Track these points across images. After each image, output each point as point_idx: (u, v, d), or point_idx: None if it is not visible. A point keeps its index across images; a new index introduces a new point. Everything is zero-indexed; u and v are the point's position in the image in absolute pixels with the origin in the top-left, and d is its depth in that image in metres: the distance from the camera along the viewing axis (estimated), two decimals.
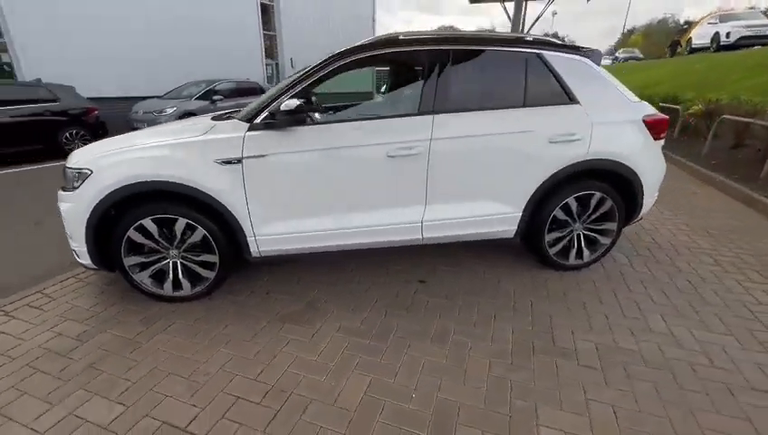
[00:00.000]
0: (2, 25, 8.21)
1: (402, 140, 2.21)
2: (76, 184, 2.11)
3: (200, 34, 11.92)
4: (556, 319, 2.19)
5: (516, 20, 11.16)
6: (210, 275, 2.32)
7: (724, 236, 3.28)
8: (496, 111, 2.36)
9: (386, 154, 2.21)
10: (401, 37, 2.34)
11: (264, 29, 14.59)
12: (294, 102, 2.06)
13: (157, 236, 2.20)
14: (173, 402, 1.63)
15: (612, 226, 2.62)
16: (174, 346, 1.97)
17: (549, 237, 2.60)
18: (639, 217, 2.74)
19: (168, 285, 2.31)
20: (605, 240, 2.68)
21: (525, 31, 19.04)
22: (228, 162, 2.12)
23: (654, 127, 2.49)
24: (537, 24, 12.24)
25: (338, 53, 2.23)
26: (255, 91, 9.80)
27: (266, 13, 14.88)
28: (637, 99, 2.54)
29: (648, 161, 2.52)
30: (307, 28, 16.40)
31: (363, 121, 2.25)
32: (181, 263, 2.30)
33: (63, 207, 2.17)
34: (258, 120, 2.14)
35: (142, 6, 10.41)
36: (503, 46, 2.36)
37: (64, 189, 2.19)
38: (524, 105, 2.37)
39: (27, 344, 1.98)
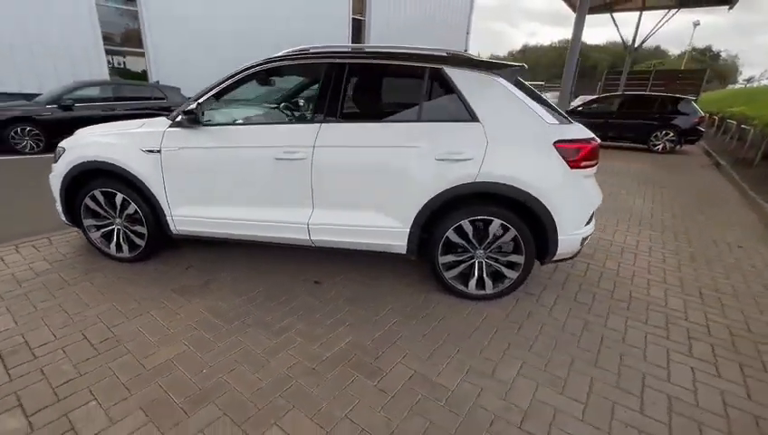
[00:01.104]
0: (144, 42, 10.56)
1: (288, 145, 2.39)
2: (56, 159, 2.80)
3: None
4: (402, 341, 2.11)
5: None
6: (142, 243, 2.82)
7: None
8: (387, 123, 2.38)
9: (273, 157, 2.41)
10: (311, 50, 2.52)
11: (353, 42, 15.75)
12: (192, 105, 2.42)
13: (104, 205, 2.77)
14: (47, 328, 2.09)
15: (519, 259, 2.37)
16: (84, 291, 2.48)
17: (443, 260, 2.47)
18: (568, 256, 2.41)
19: (113, 246, 2.87)
20: (511, 273, 2.43)
21: (638, 43, 16.86)
22: (151, 151, 2.58)
23: (567, 153, 2.20)
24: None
25: (248, 65, 2.52)
26: None
27: (358, 28, 16.03)
28: (559, 120, 2.26)
29: (559, 190, 2.23)
30: (397, 41, 17.13)
31: (259, 126, 2.50)
32: (123, 230, 2.84)
33: (50, 175, 2.88)
34: (177, 119, 2.55)
35: (234, 22, 12.11)
36: (402, 61, 2.37)
37: (53, 162, 2.92)
38: (419, 120, 2.34)
39: (7, 270, 2.71)
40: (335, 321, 2.27)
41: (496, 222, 2.31)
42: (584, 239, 2.41)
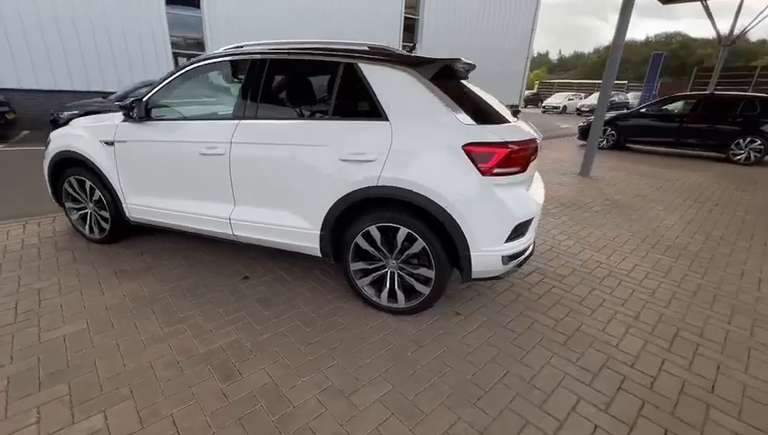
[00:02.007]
0: (205, 44, 11.60)
1: (209, 141, 2.43)
2: (46, 146, 3.18)
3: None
4: (282, 347, 2.02)
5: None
6: (107, 227, 3.08)
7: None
8: (300, 120, 2.31)
9: (198, 152, 2.47)
10: (244, 47, 2.53)
11: (406, 41, 15.65)
12: (127, 102, 2.57)
13: (77, 190, 3.09)
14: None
15: (429, 273, 2.15)
16: (47, 266, 2.78)
17: (354, 266, 2.33)
18: (491, 275, 2.13)
19: (87, 227, 3.19)
20: (422, 288, 2.21)
21: (736, 35, 14.36)
22: (107, 143, 2.80)
23: (478, 157, 1.92)
24: None
25: (186, 64, 2.61)
26: None
27: (411, 27, 15.89)
28: (475, 121, 1.99)
29: (468, 200, 1.96)
30: (450, 40, 16.65)
31: (190, 121, 2.58)
32: (94, 214, 3.13)
33: (43, 160, 3.28)
34: (125, 114, 2.74)
35: (285, 20, 12.66)
36: (316, 56, 2.26)
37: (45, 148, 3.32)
38: (331, 117, 2.23)
39: (3, 242, 3.15)
40: (234, 318, 2.27)
41: (403, 230, 2.11)
42: (512, 258, 2.10)
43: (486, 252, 2.03)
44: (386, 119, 2.08)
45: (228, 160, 2.40)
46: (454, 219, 1.98)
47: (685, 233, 3.95)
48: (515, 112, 2.56)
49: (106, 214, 3.03)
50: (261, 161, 2.35)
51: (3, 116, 8.02)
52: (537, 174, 2.98)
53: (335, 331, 2.18)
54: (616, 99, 22.40)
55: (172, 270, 2.80)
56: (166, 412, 1.60)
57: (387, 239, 2.19)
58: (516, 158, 1.97)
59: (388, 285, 2.29)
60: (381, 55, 2.16)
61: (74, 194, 3.12)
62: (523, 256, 2.21)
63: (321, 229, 2.30)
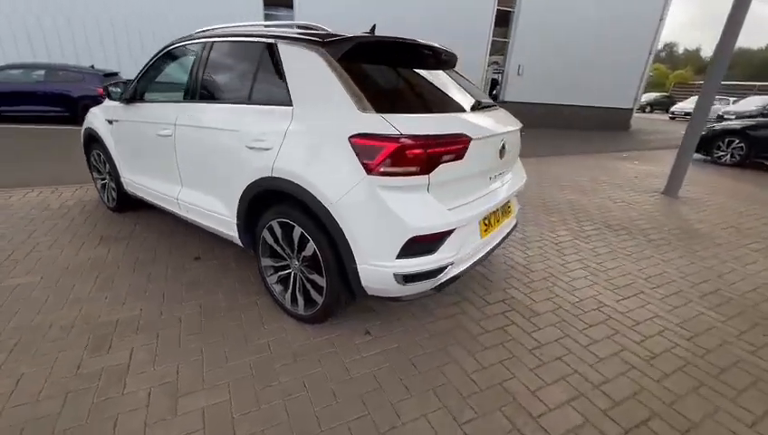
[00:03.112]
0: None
1: (162, 122, 2.53)
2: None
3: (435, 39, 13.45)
4: (154, 334, 1.99)
5: None
6: (116, 197, 3.47)
7: None
8: (223, 105, 2.25)
9: (156, 133, 2.59)
10: (207, 30, 2.55)
11: (498, 36, 14.60)
12: (116, 83, 2.82)
13: (98, 162, 3.54)
14: (10, 242, 2.88)
15: (321, 280, 1.89)
16: (63, 225, 3.25)
17: (264, 262, 2.19)
18: (388, 295, 1.80)
19: (105, 197, 3.64)
20: (317, 296, 1.96)
21: None
22: (109, 122, 3.14)
23: (363, 152, 1.60)
24: None
25: (159, 49, 2.75)
26: None
27: (505, 20, 14.74)
28: (375, 109, 1.65)
29: (349, 201, 1.65)
30: (553, 35, 15.01)
31: (155, 103, 2.71)
32: (109, 184, 3.55)
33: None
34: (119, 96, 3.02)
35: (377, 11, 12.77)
36: (243, 38, 2.16)
37: None
38: (248, 101, 2.11)
39: (52, 201, 3.79)
40: (152, 295, 2.32)
41: (297, 229, 1.89)
42: (411, 279, 1.72)
43: (375, 266, 1.70)
44: (290, 104, 1.88)
45: (174, 142, 2.46)
46: (337, 223, 1.70)
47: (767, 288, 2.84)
48: (479, 104, 2.11)
49: (114, 185, 3.42)
50: (193, 144, 2.36)
51: None
52: (519, 172, 2.47)
53: (229, 326, 2.07)
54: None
55: (143, 242, 3.02)
56: (22, 370, 1.69)
57: (288, 237, 2.00)
58: (413, 155, 1.58)
59: (290, 288, 2.09)
60: (301, 35, 1.96)
61: (96, 165, 3.59)
62: (439, 280, 1.79)
63: (237, 218, 2.21)
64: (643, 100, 26.02)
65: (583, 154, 8.87)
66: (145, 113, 2.76)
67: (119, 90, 2.89)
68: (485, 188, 2.05)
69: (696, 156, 8.15)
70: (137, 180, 3.03)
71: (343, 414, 1.56)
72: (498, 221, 2.20)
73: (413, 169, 1.60)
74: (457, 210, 1.78)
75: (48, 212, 3.51)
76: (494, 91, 16.14)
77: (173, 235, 3.17)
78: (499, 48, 15.51)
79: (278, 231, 2.01)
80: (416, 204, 1.65)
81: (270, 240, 2.08)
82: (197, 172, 2.41)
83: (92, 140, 3.49)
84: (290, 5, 12.10)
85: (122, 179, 3.23)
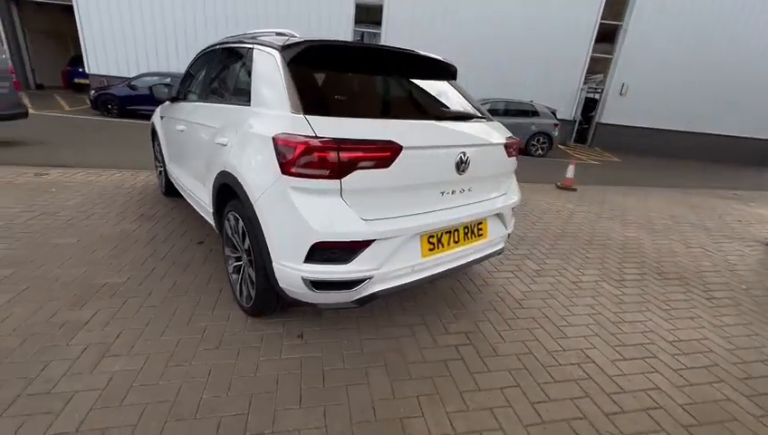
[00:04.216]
0: None
1: (182, 119, 2.88)
2: None
3: (524, 54, 12.83)
4: (119, 308, 2.23)
5: None
6: (163, 181, 4.02)
7: None
8: (214, 104, 2.46)
9: (176, 128, 2.96)
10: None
11: (599, 52, 13.25)
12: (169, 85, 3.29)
13: (156, 151, 4.14)
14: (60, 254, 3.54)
15: (253, 274, 1.93)
16: (118, 200, 3.89)
17: (227, 252, 2.31)
18: (300, 298, 1.78)
19: (160, 183, 4.25)
20: (251, 290, 2.00)
21: None
22: (161, 118, 3.67)
23: (281, 151, 1.60)
24: None
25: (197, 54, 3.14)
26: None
27: (611, 35, 13.30)
28: (306, 112, 1.65)
29: (266, 200, 1.67)
30: (671, 53, 13.09)
31: (181, 103, 3.08)
32: (162, 172, 4.13)
33: None
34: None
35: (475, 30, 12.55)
36: (236, 44, 2.34)
37: None
38: (228, 101, 2.29)
39: (124, 182, 4.56)
40: (142, 268, 2.62)
41: (240, 223, 1.97)
42: (321, 286, 1.66)
43: (285, 267, 1.68)
44: (249, 104, 1.99)
45: (185, 137, 2.78)
46: (258, 219, 1.73)
47: None
48: (458, 115, 1.97)
49: (159, 165, 3.98)
50: (192, 139, 2.63)
51: None
52: (508, 191, 2.25)
53: (184, 306, 2.23)
54: None
55: (169, 223, 3.44)
56: (14, 310, 2.06)
57: (238, 230, 2.09)
58: (322, 157, 1.54)
59: (239, 279, 2.18)
60: (273, 39, 2.06)
61: (156, 155, 4.21)
62: (356, 294, 1.69)
63: (212, 207, 2.39)
64: None
65: (677, 188, 7.49)
66: (175, 112, 3.17)
67: (165, 90, 3.37)
68: (434, 203, 1.87)
69: None
70: (172, 169, 3.48)
71: (224, 408, 1.56)
72: (456, 242, 1.99)
73: (323, 171, 1.56)
74: (381, 222, 1.67)
75: (119, 190, 4.22)
76: (592, 113, 14.65)
77: (195, 219, 3.55)
78: (600, 66, 14.06)
79: (232, 223, 2.12)
80: (324, 208, 1.59)
81: (229, 231, 2.20)
82: (193, 164, 2.68)
83: (153, 134, 4.11)
84: (378, 22, 12.69)
85: (168, 168, 3.73)
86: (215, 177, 2.19)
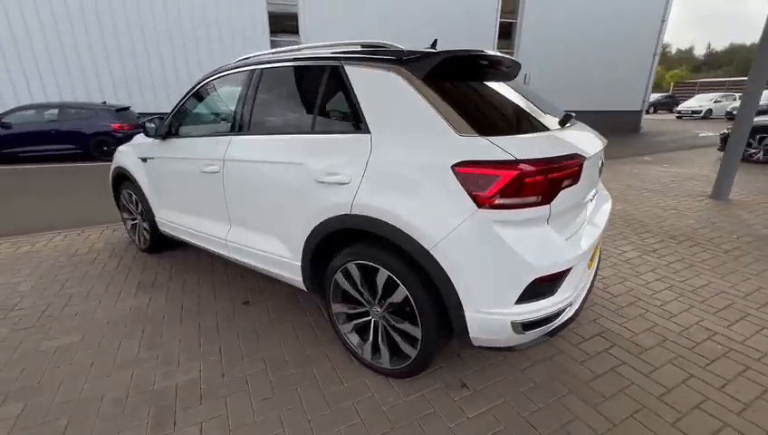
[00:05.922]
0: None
1: (207, 158, 2.33)
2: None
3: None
4: (232, 397, 1.73)
5: None
6: (148, 238, 3.25)
7: None
8: (283, 136, 2.02)
9: (200, 169, 2.39)
10: (249, 58, 2.37)
11: (503, 47, 14.62)
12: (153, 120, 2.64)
13: (128, 201, 3.33)
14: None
15: (414, 331, 1.63)
16: (92, 270, 3.04)
17: (335, 308, 1.94)
18: (499, 344, 1.53)
19: (136, 237, 3.43)
20: (408, 349, 1.70)
21: None
22: (142, 160, 2.95)
23: (472, 182, 1.36)
24: None
25: (200, 78, 2.58)
26: None
27: (507, 31, 14.79)
28: (477, 132, 1.43)
29: (456, 240, 1.41)
30: (558, 42, 15.03)
31: (197, 138, 2.52)
32: (140, 225, 3.33)
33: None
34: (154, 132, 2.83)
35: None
36: (305, 61, 1.96)
37: None
38: (312, 131, 1.90)
39: (80, 245, 3.59)
40: (208, 351, 2.07)
41: (383, 272, 1.65)
42: (530, 326, 1.45)
43: (488, 314, 1.44)
44: (367, 131, 1.66)
45: (222, 179, 2.25)
46: (440, 266, 1.45)
47: None
48: (566, 118, 1.88)
49: (146, 226, 3.21)
50: (246, 180, 2.14)
51: None
52: (603, 193, 2.23)
53: (303, 386, 1.80)
54: None
55: (185, 286, 2.78)
56: None
57: (368, 281, 1.75)
58: (534, 183, 1.35)
59: (371, 337, 1.83)
60: (370, 54, 1.75)
61: (126, 206, 3.39)
62: (555, 324, 1.53)
63: (302, 261, 1.97)
64: None
65: (606, 159, 8.63)
66: (186, 149, 2.56)
67: (154, 125, 2.70)
68: (586, 211, 1.80)
69: (719, 153, 7.90)
70: (175, 220, 2.81)
71: None
72: (597, 246, 1.94)
73: (534, 198, 1.36)
74: (575, 243, 1.53)
75: (77, 258, 3.29)
76: None
77: (213, 275, 2.94)
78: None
79: (356, 274, 1.76)
80: (536, 239, 1.40)
81: (345, 284, 1.83)
82: (250, 210, 2.19)
83: (122, 179, 3.30)
84: (295, 31, 12.17)
85: (157, 219, 3.01)
86: (317, 223, 1.79)
